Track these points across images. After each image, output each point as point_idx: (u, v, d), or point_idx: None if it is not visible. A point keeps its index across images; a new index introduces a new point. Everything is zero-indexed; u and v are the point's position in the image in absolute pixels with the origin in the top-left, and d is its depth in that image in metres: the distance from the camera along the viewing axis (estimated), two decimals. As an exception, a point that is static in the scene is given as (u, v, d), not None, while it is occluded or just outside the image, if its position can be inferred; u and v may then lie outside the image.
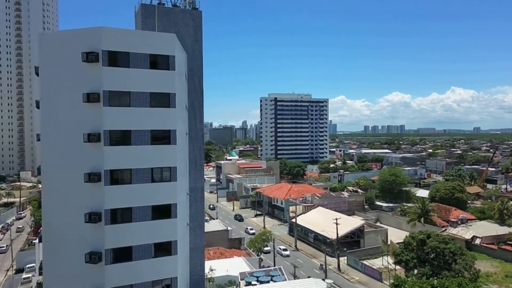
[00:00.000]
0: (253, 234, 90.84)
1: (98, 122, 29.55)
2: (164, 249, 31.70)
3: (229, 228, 76.72)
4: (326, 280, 43.23)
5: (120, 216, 30.27)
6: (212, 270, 58.55)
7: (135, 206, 30.62)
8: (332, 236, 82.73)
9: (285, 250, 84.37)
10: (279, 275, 50.51)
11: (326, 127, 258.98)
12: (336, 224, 78.52)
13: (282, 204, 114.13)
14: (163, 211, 31.65)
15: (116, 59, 29.90)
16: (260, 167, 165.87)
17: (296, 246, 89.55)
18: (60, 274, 30.34)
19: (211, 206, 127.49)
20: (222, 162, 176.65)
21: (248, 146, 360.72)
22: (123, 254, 30.27)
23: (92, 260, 29.39)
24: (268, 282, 49.55)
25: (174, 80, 31.83)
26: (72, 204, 29.96)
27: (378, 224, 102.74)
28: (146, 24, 37.80)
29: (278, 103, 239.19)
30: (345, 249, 79.25)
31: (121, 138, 30.19)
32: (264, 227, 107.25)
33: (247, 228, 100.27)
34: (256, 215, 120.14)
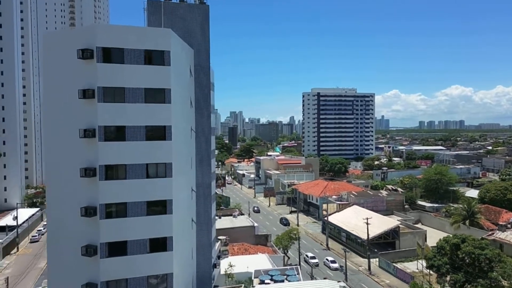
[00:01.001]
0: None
1: (93, 118, 30.09)
2: (159, 244, 31.74)
3: (255, 225, 76.12)
4: (340, 284, 41.30)
5: (115, 211, 30.68)
6: (231, 266, 58.41)
7: (130, 201, 30.88)
8: (364, 236, 79.51)
9: (333, 262, 73.10)
10: (295, 274, 49.18)
11: (372, 123, 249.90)
12: (367, 224, 75.32)
13: (317, 201, 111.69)
14: (158, 207, 31.66)
15: (110, 55, 30.21)
16: (300, 163, 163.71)
17: (327, 245, 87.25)
18: (60, 265, 31.43)
19: (256, 208, 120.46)
20: (261, 158, 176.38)
21: (293, 142, 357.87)
22: (118, 249, 30.68)
23: (87, 253, 30.10)
24: (282, 281, 48.43)
25: (169, 75, 31.60)
26: (70, 198, 30.86)
27: (418, 225, 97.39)
28: (152, 20, 37.98)
29: (321, 98, 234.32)
30: (375, 250, 75.79)
31: (116, 133, 30.52)
32: (298, 225, 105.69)
33: (283, 219, 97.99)
34: (291, 212, 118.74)
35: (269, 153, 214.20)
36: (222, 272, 56.98)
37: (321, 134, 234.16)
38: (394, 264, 71.57)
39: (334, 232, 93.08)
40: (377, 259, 75.40)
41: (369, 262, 73.19)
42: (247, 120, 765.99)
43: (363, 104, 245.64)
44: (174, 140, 32.26)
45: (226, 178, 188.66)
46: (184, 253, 35.68)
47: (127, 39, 30.50)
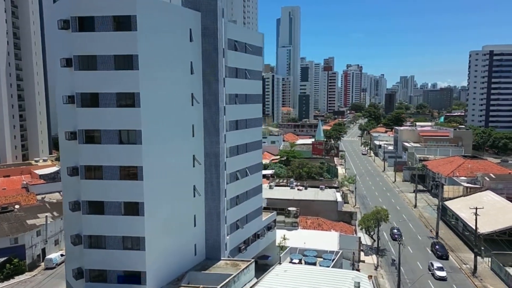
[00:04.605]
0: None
1: (73, 85, 32.41)
2: (133, 209, 32.76)
3: (339, 200, 70.22)
4: (355, 279, 34.85)
5: (93, 173, 32.93)
6: (285, 239, 56.17)
7: (105, 165, 32.57)
8: (485, 228, 64.64)
9: (440, 269, 56.82)
10: (329, 259, 43.86)
11: None
12: (476, 214, 60.91)
13: (446, 181, 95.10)
14: (130, 173, 32.46)
15: (83, 24, 31.42)
16: (447, 136, 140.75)
17: (437, 233, 74.34)
18: (64, 218, 36.33)
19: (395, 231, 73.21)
20: (401, 128, 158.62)
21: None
22: (96, 208, 33.12)
23: (73, 208, 33.58)
24: (313, 263, 44.06)
25: (136, 41, 31.04)
26: (64, 159, 34.66)
27: None
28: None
29: (495, 57, 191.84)
30: (482, 248, 60.62)
31: (90, 100, 32.14)
32: (415, 206, 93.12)
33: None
34: (414, 191, 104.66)
35: (419, 123, 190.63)
36: (277, 243, 55.50)
37: (492, 102, 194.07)
38: (507, 268, 56.07)
39: (452, 220, 78.34)
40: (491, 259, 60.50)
41: (475, 260, 59.45)
42: (419, 85, 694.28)
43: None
44: (146, 108, 32.07)
45: (363, 149, 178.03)
46: (159, 219, 35.37)
47: (97, 6, 31.15)
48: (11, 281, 56.08)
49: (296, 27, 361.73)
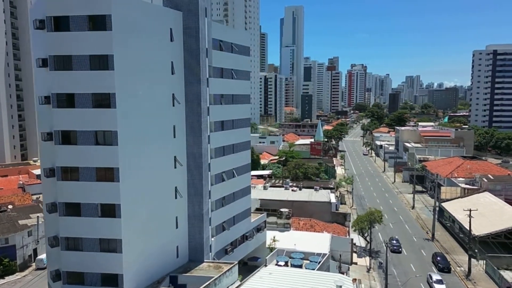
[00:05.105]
0: None
1: (49, 85, 32.11)
2: (109, 210, 32.36)
3: (333, 201, 69.45)
4: (338, 282, 34.25)
5: (69, 174, 32.60)
6: (275, 240, 55.63)
7: (81, 166, 32.24)
8: (480, 230, 63.72)
9: (439, 282, 52.51)
10: (316, 262, 43.24)
11: None
12: (470, 216, 59.85)
13: (444, 182, 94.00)
14: (107, 174, 32.09)
15: (58, 24, 31.04)
16: (448, 136, 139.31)
17: (433, 234, 73.45)
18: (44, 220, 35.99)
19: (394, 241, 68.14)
20: (402, 128, 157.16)
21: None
22: (72, 209, 32.77)
23: (51, 210, 33.29)
24: (299, 266, 43.50)
25: (111, 41, 30.63)
26: (43, 160, 34.37)
27: None
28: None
29: (499, 57, 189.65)
30: (476, 250, 59.57)
31: (66, 101, 31.82)
32: (413, 207, 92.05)
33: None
34: (412, 192, 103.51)
35: (421, 123, 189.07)
36: (267, 245, 54.99)
37: (495, 102, 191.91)
38: (502, 271, 55.06)
39: (449, 221, 77.28)
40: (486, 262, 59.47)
41: (469, 263, 58.52)
42: (424, 85, 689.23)
43: None
44: (122, 108, 31.65)
45: (364, 149, 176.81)
46: (151, 221, 35.24)
47: (72, 6, 30.81)
48: (1, 281, 56.08)
49: (300, 27, 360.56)
